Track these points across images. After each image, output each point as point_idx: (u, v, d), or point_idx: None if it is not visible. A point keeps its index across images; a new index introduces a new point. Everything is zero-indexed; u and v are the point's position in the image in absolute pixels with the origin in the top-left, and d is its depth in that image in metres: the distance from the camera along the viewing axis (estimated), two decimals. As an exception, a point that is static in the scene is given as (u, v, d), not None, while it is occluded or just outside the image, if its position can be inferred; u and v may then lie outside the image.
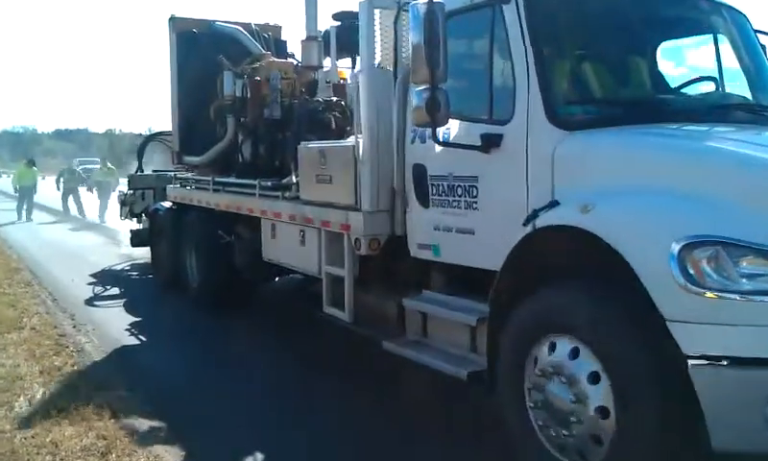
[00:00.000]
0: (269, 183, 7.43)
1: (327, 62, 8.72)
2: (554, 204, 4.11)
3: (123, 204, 13.16)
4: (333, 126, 7.42)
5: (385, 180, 5.72)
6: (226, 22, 9.83)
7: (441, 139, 4.60)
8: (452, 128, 4.89)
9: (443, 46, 4.44)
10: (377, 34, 5.73)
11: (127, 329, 8.40)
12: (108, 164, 21.20)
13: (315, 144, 6.55)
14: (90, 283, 11.36)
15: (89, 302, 10.00)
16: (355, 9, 9.29)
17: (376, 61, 5.75)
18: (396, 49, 5.63)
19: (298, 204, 6.81)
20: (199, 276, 9.46)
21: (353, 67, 9.37)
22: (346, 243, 5.98)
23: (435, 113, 4.46)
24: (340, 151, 6.02)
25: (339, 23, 8.93)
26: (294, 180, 7.00)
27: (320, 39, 8.52)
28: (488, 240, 4.74)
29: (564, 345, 3.95)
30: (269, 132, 7.89)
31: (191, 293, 9.64)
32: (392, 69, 5.67)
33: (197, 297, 9.42)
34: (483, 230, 4.79)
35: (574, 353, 3.91)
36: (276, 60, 8.64)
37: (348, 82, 8.59)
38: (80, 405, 5.56)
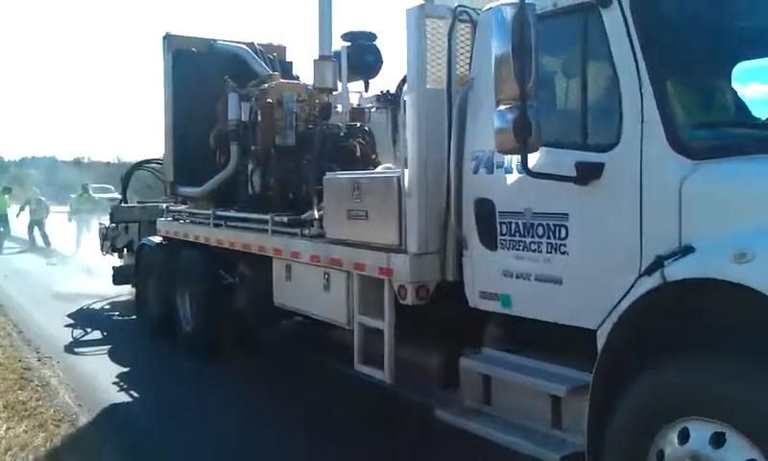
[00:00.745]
0: (284, 219, 6.53)
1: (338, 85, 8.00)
2: (688, 249, 3.28)
3: (104, 237, 12.14)
4: (358, 154, 6.58)
5: (435, 216, 4.88)
6: (227, 41, 8.98)
7: (529, 169, 3.76)
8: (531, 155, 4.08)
9: (534, 56, 3.65)
10: (428, 48, 4.91)
11: (115, 384, 7.39)
12: (90, 192, 19.97)
13: (346, 175, 5.69)
14: (69, 325, 10.30)
15: (70, 348, 8.95)
16: (365, 28, 8.52)
17: (427, 80, 4.93)
18: (449, 65, 4.81)
19: (321, 242, 5.92)
20: (194, 319, 8.50)
21: (366, 90, 8.61)
22: (386, 290, 5.10)
23: (525, 137, 3.64)
24: (380, 183, 5.16)
25: (349, 44, 8.22)
26: (316, 215, 6.12)
27: (334, 59, 7.72)
28: (581, 291, 3.89)
29: (702, 430, 3.12)
30: (281, 160, 7.01)
31: (184, 338, 8.66)
32: (444, 88, 4.85)
33: (191, 343, 8.44)
34: (574, 278, 3.94)
35: (717, 441, 3.08)
36: (286, 81, 7.80)
37: (356, 105, 7.80)
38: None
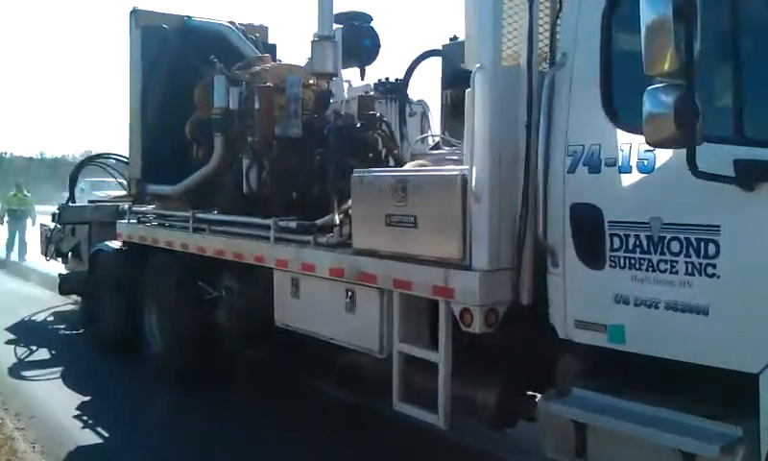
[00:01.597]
0: (291, 224, 5.50)
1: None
2: None
3: (48, 240, 10.76)
4: (380, 147, 5.62)
5: (508, 225, 3.97)
6: (204, 19, 7.85)
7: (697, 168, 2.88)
8: (659, 150, 3.22)
9: (699, 20, 2.78)
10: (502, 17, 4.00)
11: (76, 417, 6.21)
12: (24, 191, 18.19)
13: (386, 172, 4.71)
14: (9, 342, 8.95)
15: (15, 371, 7.65)
16: (360, 8, 7.43)
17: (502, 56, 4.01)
18: (530, 38, 3.91)
19: (345, 254, 4.93)
20: (164, 340, 7.37)
21: (362, 77, 7.66)
22: (443, 315, 4.15)
23: (693, 124, 2.77)
24: (437, 182, 4.19)
25: (342, 26, 7.26)
26: (337, 220, 5.12)
27: (335, 40, 6.75)
28: (736, 325, 3.05)
29: None
30: (284, 155, 5.96)
31: (152, 360, 7.51)
32: (522, 67, 3.95)
33: (162, 366, 7.30)
34: (727, 308, 3.09)
35: None
36: (284, 63, 6.74)
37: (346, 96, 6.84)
38: None
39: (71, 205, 10.52)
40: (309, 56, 7.10)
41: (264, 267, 5.83)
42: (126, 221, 8.25)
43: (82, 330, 9.71)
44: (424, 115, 7.18)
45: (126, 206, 8.45)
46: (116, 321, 8.25)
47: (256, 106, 5.93)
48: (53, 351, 8.57)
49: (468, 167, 4.00)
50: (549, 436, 3.85)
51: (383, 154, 5.68)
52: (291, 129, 5.89)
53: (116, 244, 8.55)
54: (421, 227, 4.26)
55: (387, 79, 7.41)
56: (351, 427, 5.96)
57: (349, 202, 5.14)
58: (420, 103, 7.20)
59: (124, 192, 11.26)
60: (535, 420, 4.50)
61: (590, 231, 3.57)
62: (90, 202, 10.70)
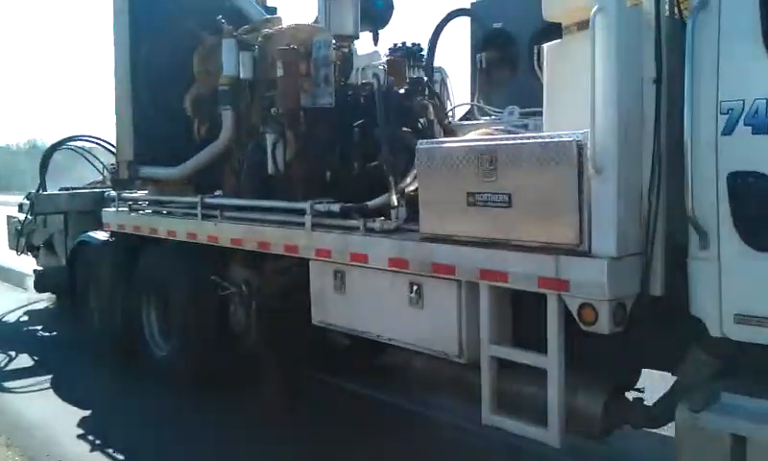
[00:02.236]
0: (334, 207, 4.73)
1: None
2: None
3: (19, 233, 9.74)
4: (432, 117, 4.88)
5: (635, 202, 3.31)
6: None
7: None
8: None
9: None
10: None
11: (80, 437, 5.39)
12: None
13: (466, 142, 3.97)
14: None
15: (-3, 385, 6.77)
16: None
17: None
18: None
19: (409, 240, 4.20)
20: (170, 342, 6.55)
21: (375, 42, 6.88)
22: (553, 312, 3.46)
23: None
24: (542, 151, 3.46)
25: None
26: (394, 201, 4.38)
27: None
28: None
29: None
30: (313, 128, 5.17)
31: (155, 365, 6.68)
32: (651, 11, 3.25)
33: (167, 371, 6.48)
34: None
35: None
36: (303, 23, 5.91)
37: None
38: None
39: (43, 193, 9.50)
40: (316, 17, 6.34)
41: (295, 257, 5.08)
42: (114, 209, 7.35)
43: (63, 331, 8.81)
44: (443, 83, 6.45)
45: (113, 193, 7.54)
46: (106, 322, 7.38)
47: (279, 72, 5.11)
48: (35, 357, 7.67)
49: (583, 132, 3.30)
50: (693, 452, 3.21)
51: (432, 123, 4.93)
52: (322, 98, 5.10)
53: (102, 235, 7.65)
54: (519, 206, 3.55)
55: (404, 43, 6.67)
56: (382, 426, 5.33)
57: (408, 180, 4.42)
58: (439, 70, 6.46)
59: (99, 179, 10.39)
60: (640, 426, 3.91)
61: (758, 206, 2.92)
62: (63, 189, 9.73)
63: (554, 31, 5.65)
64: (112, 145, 9.91)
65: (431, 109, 4.85)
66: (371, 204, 4.54)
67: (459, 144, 3.91)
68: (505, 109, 5.74)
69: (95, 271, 7.67)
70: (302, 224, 4.91)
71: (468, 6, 6.73)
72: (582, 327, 3.36)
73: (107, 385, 6.74)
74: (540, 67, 5.73)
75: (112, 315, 7.25)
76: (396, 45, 6.65)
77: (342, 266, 4.67)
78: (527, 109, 5.87)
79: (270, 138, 5.20)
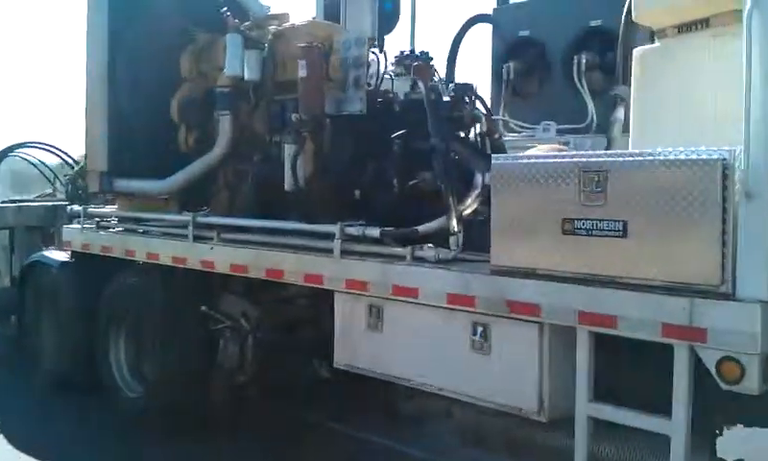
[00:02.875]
0: (373, 232, 4.01)
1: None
2: None
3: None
4: (483, 127, 4.25)
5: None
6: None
7: None
8: None
9: None
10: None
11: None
12: None
13: (563, 158, 3.31)
14: None
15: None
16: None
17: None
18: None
19: (474, 273, 3.53)
20: (145, 383, 5.66)
21: (381, 48, 6.25)
22: (683, 366, 2.84)
23: None
24: (673, 170, 2.84)
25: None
26: (454, 227, 3.70)
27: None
28: None
29: None
30: (340, 138, 4.47)
31: (125, 407, 5.77)
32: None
33: (141, 414, 5.57)
34: None
35: None
36: (320, 21, 5.21)
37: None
38: None
39: (-13, 205, 8.42)
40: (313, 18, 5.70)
41: (304, 287, 4.36)
42: (78, 226, 6.42)
43: None
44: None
45: (76, 208, 6.61)
46: (64, 357, 6.43)
47: (302, 73, 4.38)
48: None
49: (729, 149, 2.71)
50: None
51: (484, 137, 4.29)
52: (352, 104, 4.43)
53: (60, 255, 6.70)
54: (637, 236, 2.93)
55: (412, 51, 6.04)
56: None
57: (468, 201, 3.76)
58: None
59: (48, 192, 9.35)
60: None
61: None
62: (8, 201, 8.67)
63: (595, 38, 5.09)
64: (67, 154, 9.00)
65: (483, 120, 4.20)
66: (421, 228, 3.85)
67: (553, 160, 3.27)
68: (539, 125, 5.21)
69: (50, 297, 6.70)
70: (330, 250, 4.18)
71: (490, 12, 6.18)
72: (722, 386, 2.75)
73: (61, 431, 5.77)
74: (581, 80, 5.27)
75: (73, 349, 6.32)
76: (402, 53, 6.03)
77: (379, 300, 3.96)
78: (564, 126, 5.36)
79: (289, 149, 4.45)
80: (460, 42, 5.87)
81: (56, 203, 8.32)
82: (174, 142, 5.69)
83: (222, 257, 4.93)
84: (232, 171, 5.28)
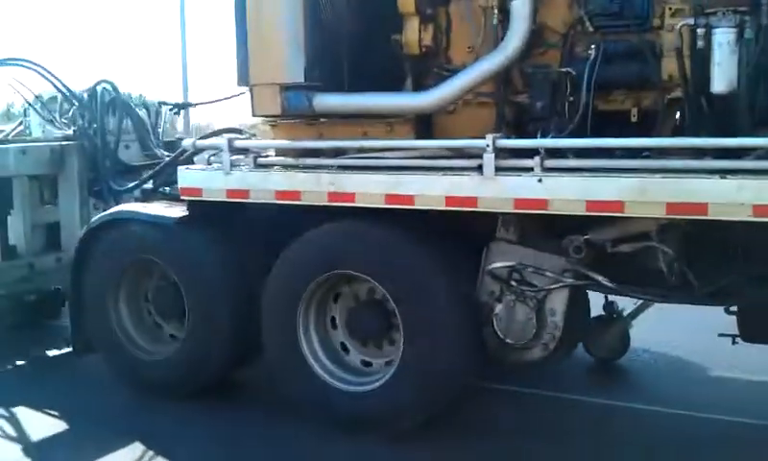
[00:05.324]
0: None
1: None
2: None
3: None
4: None
5: None
6: None
7: None
8: None
9: None
10: None
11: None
12: None
13: None
14: None
15: None
16: None
17: None
18: None
19: None
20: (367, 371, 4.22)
21: None
22: None
23: None
24: None
25: None
26: None
27: None
28: None
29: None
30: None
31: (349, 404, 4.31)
32: None
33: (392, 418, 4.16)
34: None
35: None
36: None
37: None
38: None
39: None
40: None
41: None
42: (211, 167, 4.64)
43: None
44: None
45: (202, 142, 4.77)
46: (203, 344, 4.71)
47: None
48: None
49: None
50: None
51: None
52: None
53: (173, 212, 4.83)
54: None
55: None
56: None
57: None
58: None
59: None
60: None
61: None
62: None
63: None
64: (56, 78, 6.58)
65: None
66: None
67: None
68: None
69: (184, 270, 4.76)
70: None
71: None
72: None
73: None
74: None
75: (216, 329, 4.61)
76: None
77: None
78: None
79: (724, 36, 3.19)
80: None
81: (62, 143, 6.15)
82: (394, 44, 4.16)
83: (564, 193, 3.60)
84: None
